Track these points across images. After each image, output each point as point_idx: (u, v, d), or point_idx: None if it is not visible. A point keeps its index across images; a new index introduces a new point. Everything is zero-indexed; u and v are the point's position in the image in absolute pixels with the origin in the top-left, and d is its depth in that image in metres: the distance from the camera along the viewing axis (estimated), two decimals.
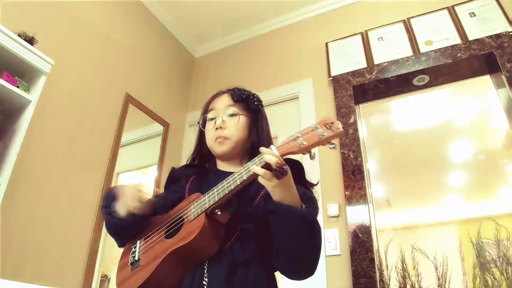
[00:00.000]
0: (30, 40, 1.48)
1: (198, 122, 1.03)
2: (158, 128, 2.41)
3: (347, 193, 1.84)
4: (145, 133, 2.38)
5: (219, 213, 0.77)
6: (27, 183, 1.54)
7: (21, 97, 1.41)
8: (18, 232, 1.46)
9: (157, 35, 2.61)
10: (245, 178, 0.73)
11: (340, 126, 0.68)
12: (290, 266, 0.80)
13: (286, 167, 0.70)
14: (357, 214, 1.77)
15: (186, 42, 2.88)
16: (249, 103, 0.98)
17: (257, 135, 0.97)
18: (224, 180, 0.77)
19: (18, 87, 1.41)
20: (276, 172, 0.69)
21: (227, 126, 0.94)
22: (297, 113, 2.26)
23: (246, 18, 2.69)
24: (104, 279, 1.85)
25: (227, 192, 0.75)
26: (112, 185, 1.94)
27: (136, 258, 0.82)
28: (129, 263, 0.83)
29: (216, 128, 0.94)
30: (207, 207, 0.77)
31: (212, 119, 0.98)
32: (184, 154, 2.52)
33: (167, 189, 1.00)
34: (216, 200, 0.76)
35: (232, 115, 0.96)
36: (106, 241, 1.82)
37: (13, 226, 1.44)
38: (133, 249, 0.85)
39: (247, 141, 0.96)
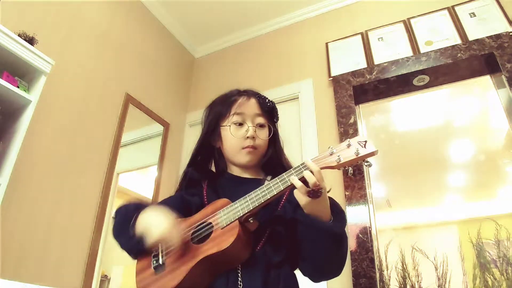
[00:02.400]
0: (30, 40, 1.47)
1: (223, 125, 0.96)
2: (158, 128, 2.41)
3: (347, 193, 1.84)
4: (145, 133, 2.38)
5: (251, 221, 0.78)
6: (27, 183, 1.54)
7: (21, 97, 1.40)
8: (18, 232, 1.46)
9: (157, 35, 2.61)
10: (282, 189, 0.75)
11: (373, 145, 0.73)
12: (314, 272, 0.83)
13: (321, 190, 0.72)
14: (357, 214, 1.77)
15: (186, 42, 2.88)
16: (273, 115, 0.98)
17: (275, 147, 0.98)
18: (258, 189, 0.78)
19: (18, 87, 1.41)
20: (311, 192, 0.72)
21: (258, 136, 0.93)
22: (297, 113, 2.26)
23: (246, 18, 2.69)
24: (104, 279, 1.85)
25: (262, 201, 0.76)
26: (112, 185, 1.94)
27: (161, 262, 0.78)
28: (151, 267, 0.79)
29: (247, 137, 0.92)
30: (241, 215, 0.77)
31: (240, 124, 0.94)
32: (184, 154, 2.51)
33: (183, 190, 0.97)
34: (251, 208, 0.76)
35: (261, 125, 0.95)
36: (106, 241, 1.82)
37: (13, 226, 1.44)
38: (154, 252, 0.81)
39: (267, 153, 0.97)
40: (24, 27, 1.52)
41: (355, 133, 1.97)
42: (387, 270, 1.73)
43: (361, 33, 2.28)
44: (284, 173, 0.76)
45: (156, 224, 0.77)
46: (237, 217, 0.77)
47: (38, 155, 1.61)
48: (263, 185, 0.78)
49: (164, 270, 0.78)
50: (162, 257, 0.79)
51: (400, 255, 1.74)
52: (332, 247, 0.77)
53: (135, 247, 0.81)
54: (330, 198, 0.82)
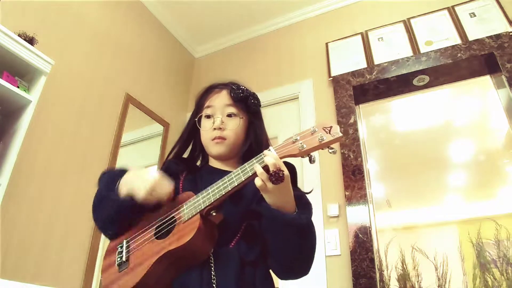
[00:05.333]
0: (30, 40, 1.48)
1: (195, 119, 0.97)
2: (158, 128, 2.41)
3: (347, 193, 1.84)
4: (145, 133, 2.38)
5: (214, 214, 0.75)
6: (27, 183, 1.54)
7: (21, 97, 1.41)
8: (18, 232, 1.46)
9: (157, 35, 2.61)
10: (243, 180, 0.72)
11: (339, 130, 0.69)
12: (280, 267, 0.81)
13: (283, 173, 0.69)
14: (357, 214, 1.77)
15: (186, 42, 2.88)
16: (248, 104, 0.96)
17: (255, 137, 0.96)
18: (219, 181, 0.76)
19: (18, 87, 1.41)
20: (272, 176, 0.69)
21: (226, 127, 0.92)
22: (297, 113, 2.26)
23: (246, 18, 2.68)
24: None
25: (223, 193, 0.73)
26: None
27: (124, 259, 0.77)
28: (115, 264, 0.78)
29: (215, 128, 0.92)
30: (202, 208, 0.74)
31: (209, 116, 0.94)
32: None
33: None
34: (212, 201, 0.74)
35: (230, 115, 0.94)
36: (106, 241, 1.82)
37: (13, 226, 1.44)
38: (119, 249, 0.80)
39: (245, 143, 0.95)
40: (24, 27, 1.53)
41: (355, 133, 1.97)
42: (387, 270, 1.73)
43: (361, 33, 2.28)
44: (246, 163, 0.74)
45: (144, 176, 0.77)
46: (198, 210, 0.74)
47: (38, 155, 1.61)
48: (225, 176, 0.75)
49: (127, 267, 0.76)
50: (125, 253, 0.78)
51: (400, 255, 1.74)
52: (296, 241, 0.74)
53: (122, 209, 0.78)
54: (297, 189, 0.80)
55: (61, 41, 1.83)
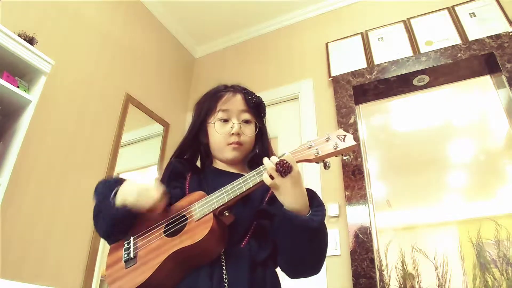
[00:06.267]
0: (30, 40, 1.48)
1: (209, 122, 0.96)
2: (158, 128, 2.41)
3: (347, 193, 1.84)
4: (145, 133, 2.38)
5: (227, 214, 0.76)
6: (27, 183, 1.54)
7: (21, 97, 1.41)
8: (18, 232, 1.46)
9: (157, 35, 2.61)
10: (258, 181, 0.74)
11: (352, 139, 0.72)
12: (290, 267, 0.82)
13: (290, 165, 0.71)
14: (357, 214, 1.77)
15: (186, 42, 2.88)
16: (260, 111, 0.98)
17: (262, 142, 0.98)
18: (234, 182, 0.76)
19: (18, 87, 1.41)
20: (278, 165, 0.71)
21: (243, 133, 0.93)
22: (297, 113, 2.26)
23: (246, 18, 2.68)
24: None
25: (238, 194, 0.74)
26: None
27: (132, 255, 0.77)
28: (122, 261, 0.77)
29: (233, 133, 0.92)
30: (216, 207, 0.75)
31: (225, 120, 0.94)
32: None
33: (166, 183, 0.93)
34: (226, 201, 0.74)
35: (247, 121, 0.95)
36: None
37: (13, 226, 1.44)
38: (126, 246, 0.80)
39: (254, 148, 0.98)
40: (24, 27, 1.53)
41: (355, 133, 1.97)
42: (387, 270, 1.73)
43: (361, 33, 2.28)
44: (261, 166, 0.75)
45: (136, 185, 0.76)
46: (211, 210, 0.75)
47: (38, 155, 1.61)
48: (240, 178, 0.76)
49: (135, 264, 0.76)
50: (133, 250, 0.78)
51: (400, 255, 1.74)
52: (307, 242, 0.75)
53: (118, 220, 0.78)
54: (310, 190, 0.80)
55: (61, 41, 1.83)
